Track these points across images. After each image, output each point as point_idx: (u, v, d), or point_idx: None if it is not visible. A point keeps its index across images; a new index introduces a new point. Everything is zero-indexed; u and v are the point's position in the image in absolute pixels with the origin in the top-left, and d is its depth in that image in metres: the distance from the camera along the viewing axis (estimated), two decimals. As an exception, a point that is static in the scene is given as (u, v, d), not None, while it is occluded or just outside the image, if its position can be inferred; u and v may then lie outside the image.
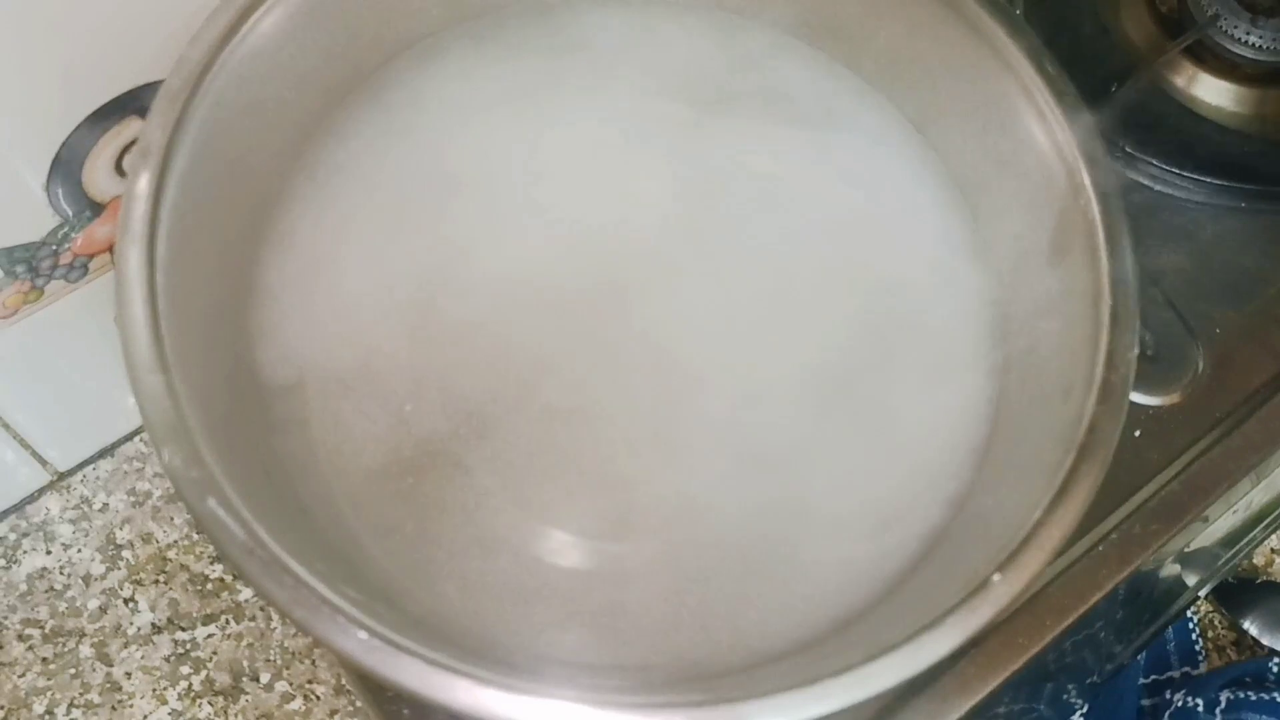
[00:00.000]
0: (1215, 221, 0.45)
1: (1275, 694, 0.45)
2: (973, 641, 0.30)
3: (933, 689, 0.36)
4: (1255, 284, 0.44)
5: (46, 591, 0.48)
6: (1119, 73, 0.47)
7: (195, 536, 0.49)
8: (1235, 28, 0.46)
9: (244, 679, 0.47)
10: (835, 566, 0.40)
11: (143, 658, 0.47)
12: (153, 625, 0.48)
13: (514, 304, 0.45)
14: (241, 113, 0.37)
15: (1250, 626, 0.46)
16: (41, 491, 0.50)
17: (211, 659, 0.47)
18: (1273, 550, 0.55)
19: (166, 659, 0.47)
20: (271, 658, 0.47)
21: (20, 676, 0.47)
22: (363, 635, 0.28)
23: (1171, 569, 0.45)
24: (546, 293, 0.45)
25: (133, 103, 0.39)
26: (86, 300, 0.44)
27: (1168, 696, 0.47)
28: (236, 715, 0.46)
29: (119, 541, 0.49)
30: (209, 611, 0.48)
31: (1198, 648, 0.51)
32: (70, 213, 0.41)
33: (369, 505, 0.41)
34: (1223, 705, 0.45)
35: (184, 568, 0.49)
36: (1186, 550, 0.44)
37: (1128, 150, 0.45)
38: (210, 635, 0.47)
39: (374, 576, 0.39)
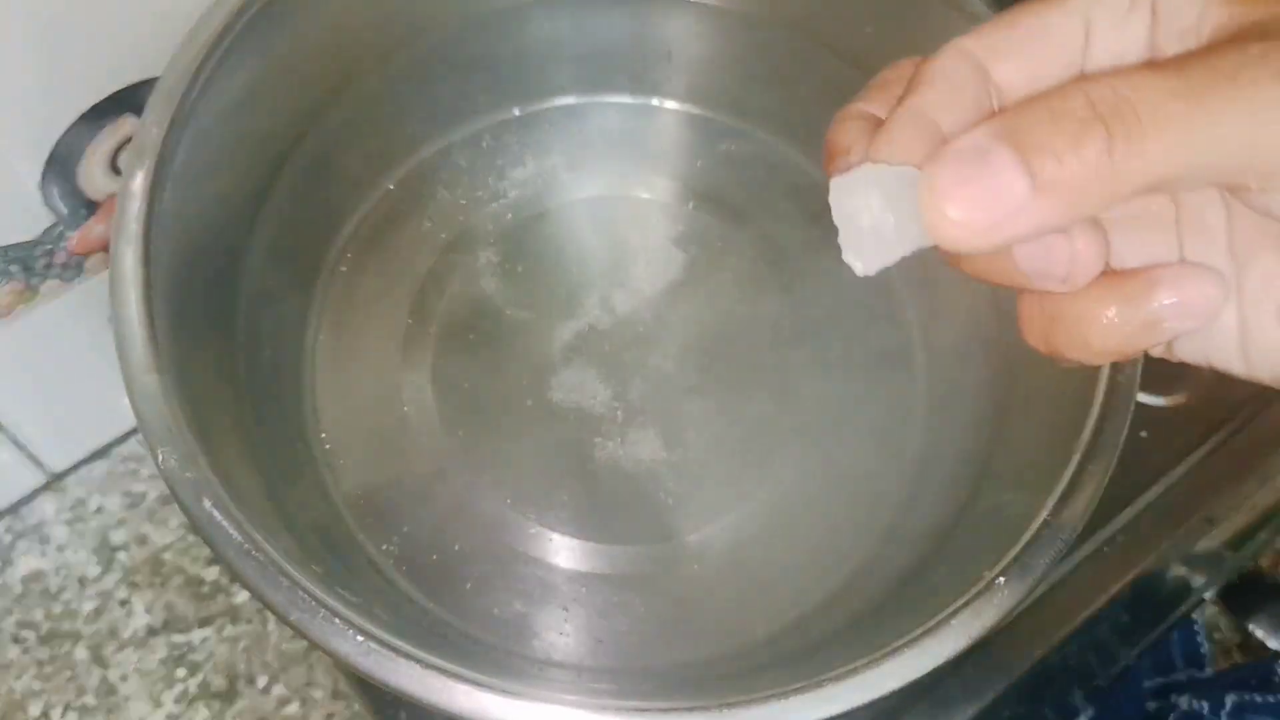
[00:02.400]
0: (1220, 220, 0.45)
1: (1281, 696, 0.45)
2: (977, 645, 0.30)
3: (937, 692, 0.36)
4: (1260, 283, 0.44)
5: (41, 594, 0.48)
6: (1123, 70, 0.46)
7: (191, 539, 0.49)
8: (1240, 25, 0.46)
9: (240, 682, 0.46)
10: (832, 574, 0.40)
11: (138, 661, 0.47)
12: (148, 628, 0.47)
13: (514, 303, 0.45)
14: (238, 110, 0.37)
15: (1257, 629, 0.46)
16: (36, 493, 0.50)
17: (208, 662, 0.47)
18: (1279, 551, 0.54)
19: (162, 662, 0.47)
20: (268, 661, 0.47)
21: (16, 679, 0.46)
22: (359, 638, 0.28)
23: (1177, 570, 0.45)
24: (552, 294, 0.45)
25: (128, 100, 0.39)
26: (82, 300, 0.44)
27: (1173, 699, 0.46)
28: (233, 719, 0.46)
29: (114, 543, 0.49)
30: (205, 614, 0.47)
31: (1204, 650, 0.50)
32: (65, 211, 0.40)
33: (368, 507, 0.40)
34: (1229, 708, 0.45)
35: (180, 570, 0.48)
36: (1192, 552, 0.43)
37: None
38: (206, 638, 0.47)
39: (373, 580, 0.39)
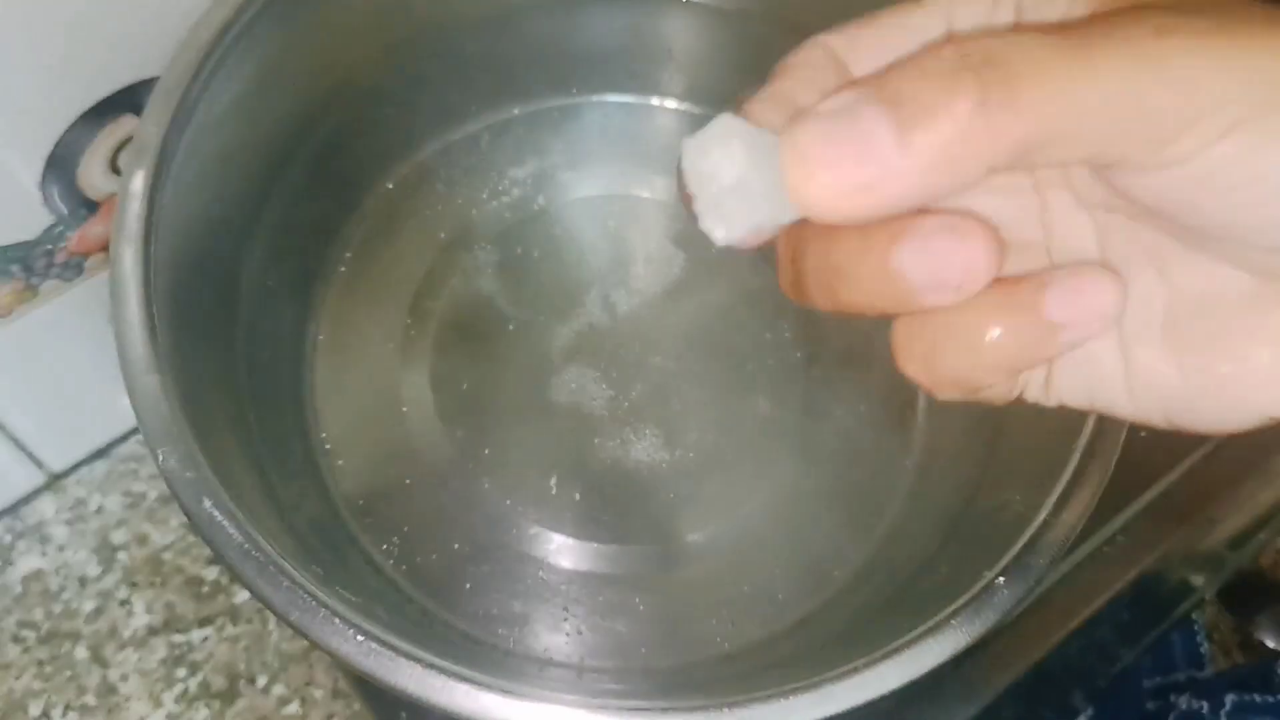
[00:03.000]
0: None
1: (1281, 696, 0.45)
2: (977, 645, 0.30)
3: (937, 692, 0.36)
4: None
5: (41, 594, 0.48)
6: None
7: (191, 538, 0.49)
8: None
9: (240, 682, 0.46)
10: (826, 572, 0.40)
11: (138, 660, 0.47)
12: (148, 628, 0.47)
13: (514, 303, 0.45)
14: (238, 110, 0.37)
15: (1257, 629, 0.46)
16: (36, 493, 0.50)
17: (208, 662, 0.47)
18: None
19: (162, 662, 0.47)
20: (268, 661, 0.47)
21: (16, 679, 0.46)
22: (360, 638, 0.28)
23: (1178, 570, 0.45)
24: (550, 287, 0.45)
25: (128, 100, 0.39)
26: (82, 300, 0.44)
27: (1173, 699, 0.46)
28: (233, 718, 0.46)
29: (114, 543, 0.49)
30: (205, 614, 0.47)
31: (1204, 650, 0.50)
32: (65, 211, 0.40)
33: (368, 507, 0.40)
34: (1228, 708, 0.45)
35: (180, 570, 0.48)
36: (1193, 551, 0.43)
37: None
38: (206, 638, 0.47)
39: (373, 580, 0.39)
